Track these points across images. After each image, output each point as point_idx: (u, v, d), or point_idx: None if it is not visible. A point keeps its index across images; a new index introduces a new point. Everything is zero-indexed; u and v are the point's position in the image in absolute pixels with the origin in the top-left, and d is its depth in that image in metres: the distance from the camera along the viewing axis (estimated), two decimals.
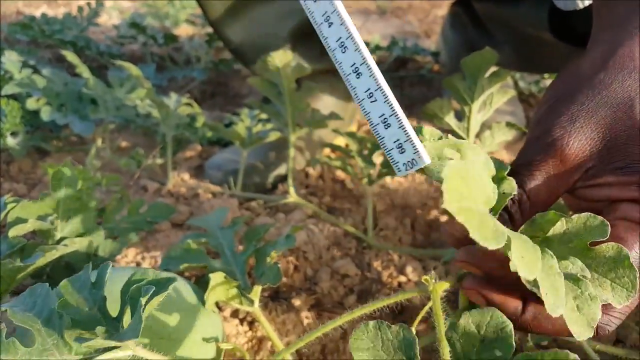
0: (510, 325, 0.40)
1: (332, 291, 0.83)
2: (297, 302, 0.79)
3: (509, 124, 0.76)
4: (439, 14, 2.36)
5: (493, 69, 0.71)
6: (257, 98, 1.54)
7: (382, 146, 0.38)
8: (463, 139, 0.75)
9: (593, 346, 0.65)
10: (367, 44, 1.78)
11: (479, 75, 0.68)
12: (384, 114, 0.37)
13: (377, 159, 0.98)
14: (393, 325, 0.43)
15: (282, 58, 0.83)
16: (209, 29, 1.83)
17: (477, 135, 0.79)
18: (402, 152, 0.37)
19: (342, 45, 0.38)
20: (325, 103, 1.17)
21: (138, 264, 0.87)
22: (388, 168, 0.95)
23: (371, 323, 0.43)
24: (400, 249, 0.91)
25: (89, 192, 0.79)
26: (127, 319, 0.46)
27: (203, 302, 0.60)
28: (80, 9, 1.73)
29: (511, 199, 0.44)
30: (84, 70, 1.12)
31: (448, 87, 0.70)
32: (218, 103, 1.63)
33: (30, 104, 1.14)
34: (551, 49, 0.91)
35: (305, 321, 0.77)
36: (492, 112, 0.75)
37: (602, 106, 0.45)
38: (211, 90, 1.72)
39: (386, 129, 0.37)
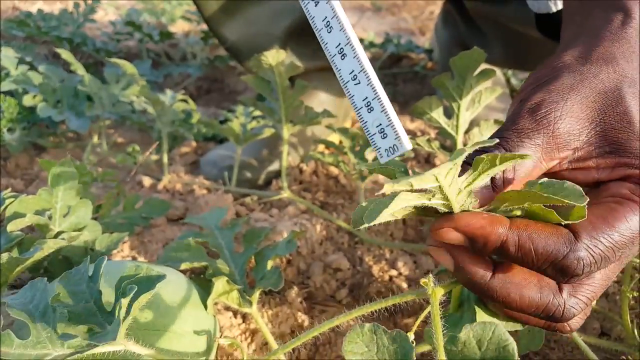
0: (513, 344, 0.39)
1: (324, 285, 0.84)
2: (290, 295, 0.81)
3: (497, 121, 0.78)
4: (433, 11, 2.37)
5: (483, 66, 0.72)
6: (253, 95, 1.55)
7: (365, 131, 0.37)
8: (452, 135, 0.77)
9: (577, 337, 0.67)
10: (361, 40, 1.79)
11: (468, 74, 0.69)
12: (367, 97, 0.36)
13: (370, 155, 0.99)
14: (389, 331, 0.42)
15: (275, 56, 0.84)
16: (205, 26, 1.83)
17: (466, 132, 0.80)
18: (384, 137, 0.36)
19: (328, 25, 0.37)
20: (319, 100, 1.18)
21: (134, 259, 0.89)
22: (380, 164, 0.97)
23: (367, 326, 0.42)
24: (391, 243, 0.92)
25: (85, 188, 0.81)
26: (120, 313, 0.47)
27: (198, 296, 0.62)
28: (76, 5, 1.74)
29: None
30: (78, 68, 1.13)
31: (437, 86, 0.72)
32: (213, 99, 1.64)
33: (27, 100, 1.15)
34: (539, 46, 0.93)
35: (298, 314, 0.78)
36: (483, 109, 0.76)
37: (592, 92, 0.46)
38: (207, 86, 1.73)
39: (369, 112, 0.36)
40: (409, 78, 1.71)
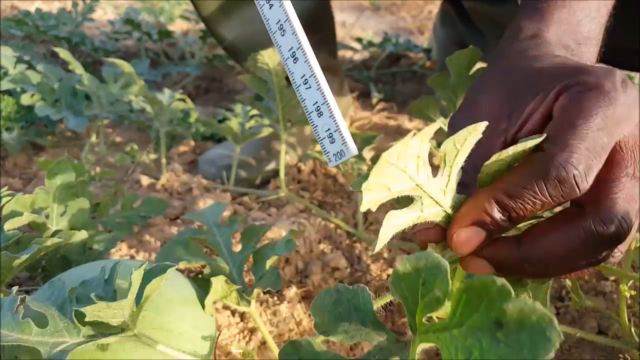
0: (445, 264, 0.36)
1: (322, 284, 0.84)
2: (288, 294, 0.81)
3: None
4: (432, 11, 2.37)
5: (480, 65, 0.73)
6: (251, 94, 1.55)
7: (315, 134, 0.37)
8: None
9: (575, 333, 0.67)
10: (359, 40, 1.80)
11: (464, 73, 0.70)
12: (317, 102, 0.37)
13: (367, 154, 0.99)
14: (352, 287, 0.42)
15: (272, 56, 0.84)
16: (203, 25, 1.84)
17: None
18: (332, 142, 0.37)
19: (282, 29, 0.38)
20: None
21: (132, 258, 0.89)
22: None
23: (333, 288, 0.43)
24: (389, 242, 0.92)
25: (83, 187, 0.81)
26: (130, 299, 0.49)
27: (197, 296, 0.62)
28: (75, 4, 1.74)
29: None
30: (76, 67, 1.13)
31: (433, 86, 0.72)
32: (212, 99, 1.64)
33: (25, 99, 1.15)
34: None
35: (296, 313, 0.78)
36: None
37: (493, 76, 0.51)
38: (205, 85, 1.73)
39: (319, 117, 0.36)
40: (407, 77, 1.71)
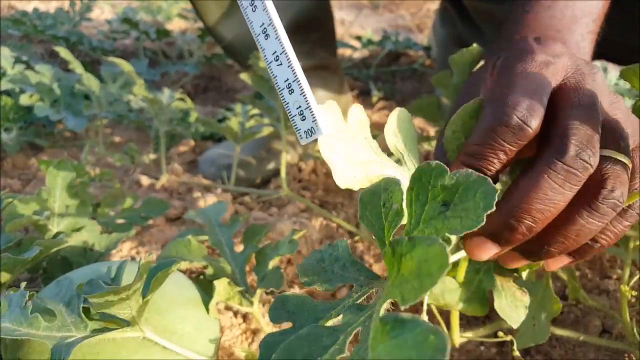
0: (398, 180, 0.38)
1: None
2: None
3: None
4: (431, 8, 2.36)
5: (482, 63, 0.72)
6: (251, 93, 1.54)
7: (287, 112, 0.38)
8: None
9: (578, 337, 0.67)
10: (359, 38, 1.79)
11: (466, 71, 0.69)
12: (288, 79, 0.37)
13: None
14: (332, 244, 0.44)
15: None
16: (202, 24, 1.83)
17: None
18: (303, 119, 0.37)
19: (252, 4, 0.38)
20: (317, 97, 1.18)
21: (133, 259, 0.88)
22: None
23: (317, 249, 0.44)
24: None
25: (83, 188, 0.80)
26: (137, 294, 0.50)
27: (200, 297, 0.62)
28: (72, 3, 1.73)
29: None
30: (77, 66, 1.12)
31: (436, 84, 0.71)
32: (211, 98, 1.64)
33: (24, 100, 1.14)
34: None
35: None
36: None
37: (482, 76, 0.52)
38: (204, 84, 1.72)
39: (290, 94, 0.37)
40: (407, 75, 1.71)
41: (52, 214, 0.75)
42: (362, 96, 1.54)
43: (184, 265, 0.69)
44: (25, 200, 0.74)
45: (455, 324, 0.62)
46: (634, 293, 0.67)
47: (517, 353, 0.64)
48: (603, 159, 0.42)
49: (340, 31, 2.07)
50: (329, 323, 0.38)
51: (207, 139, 1.32)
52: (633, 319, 0.66)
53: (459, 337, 0.65)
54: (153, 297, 0.54)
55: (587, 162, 0.40)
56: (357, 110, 0.43)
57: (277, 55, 0.37)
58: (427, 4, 2.39)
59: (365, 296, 0.39)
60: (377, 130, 1.28)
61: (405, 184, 0.38)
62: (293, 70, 0.37)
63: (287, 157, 1.15)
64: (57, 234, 0.74)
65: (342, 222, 0.94)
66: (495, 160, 0.42)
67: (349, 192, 1.09)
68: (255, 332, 0.75)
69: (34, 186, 1.11)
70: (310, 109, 0.37)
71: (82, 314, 0.49)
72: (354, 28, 2.18)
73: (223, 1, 1.03)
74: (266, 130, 1.11)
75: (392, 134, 0.44)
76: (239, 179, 1.11)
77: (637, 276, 0.67)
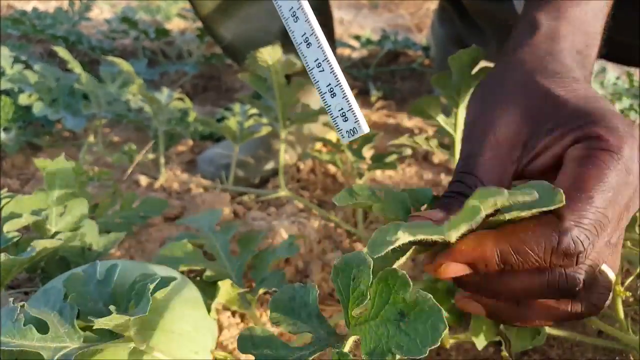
0: (370, 261, 0.40)
1: (322, 283, 0.84)
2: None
3: None
4: (430, 8, 2.36)
5: (482, 63, 0.72)
6: (249, 93, 1.54)
7: (329, 113, 0.41)
8: (451, 133, 0.77)
9: (574, 337, 0.67)
10: (358, 37, 1.79)
11: (466, 72, 0.69)
12: (330, 84, 0.40)
13: (367, 153, 0.99)
14: (304, 285, 0.46)
15: (271, 53, 0.84)
16: (201, 23, 1.83)
17: None
18: (345, 120, 0.40)
19: (294, 15, 0.41)
20: (316, 97, 1.18)
21: (131, 258, 0.88)
22: (378, 162, 0.97)
23: (290, 285, 0.46)
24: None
25: (82, 187, 0.80)
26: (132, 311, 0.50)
27: (197, 296, 0.62)
28: (71, 3, 1.73)
29: (467, 186, 0.47)
30: (75, 66, 1.12)
31: (436, 85, 0.71)
32: (210, 97, 1.64)
33: (23, 99, 1.14)
34: None
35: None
36: None
37: (511, 90, 0.50)
38: (203, 84, 1.72)
39: (332, 97, 0.40)
40: (406, 75, 1.71)
41: (51, 213, 0.75)
42: (361, 95, 1.54)
43: (181, 267, 0.69)
44: (24, 199, 0.74)
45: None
46: (629, 294, 0.67)
47: (504, 352, 0.64)
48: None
49: (339, 30, 2.07)
50: None
51: (206, 139, 1.32)
52: (628, 318, 0.66)
53: (448, 338, 0.65)
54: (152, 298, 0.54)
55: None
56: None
57: (320, 62, 0.40)
58: (426, 3, 2.39)
59: (319, 353, 0.42)
60: (376, 129, 1.28)
61: None
62: (335, 76, 0.39)
63: (286, 157, 1.15)
64: (55, 233, 0.74)
65: (340, 222, 0.94)
66: (526, 266, 0.42)
67: None
68: None
69: (33, 186, 1.11)
70: (353, 111, 0.40)
71: (76, 325, 0.49)
72: (353, 27, 2.18)
73: (222, 1, 1.03)
74: (265, 130, 1.11)
75: None
76: (237, 178, 1.11)
77: (633, 276, 0.68)
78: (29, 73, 1.18)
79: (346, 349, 0.40)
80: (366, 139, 0.97)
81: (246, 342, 0.45)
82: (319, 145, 1.21)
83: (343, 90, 0.40)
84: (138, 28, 1.71)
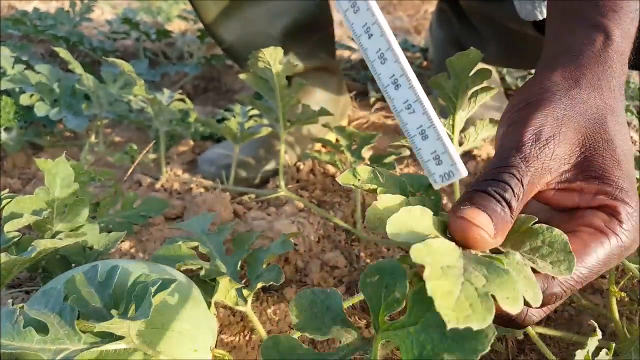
0: (404, 270, 0.42)
1: (321, 282, 0.85)
2: (287, 293, 0.81)
3: (492, 121, 0.79)
4: (429, 10, 2.37)
5: (479, 65, 0.73)
6: (250, 93, 1.55)
7: (418, 157, 0.38)
8: (449, 135, 0.78)
9: (570, 337, 0.68)
10: None
11: (464, 74, 0.70)
12: (421, 125, 0.37)
13: (366, 153, 1.00)
14: (325, 290, 0.46)
15: (272, 54, 0.84)
16: (202, 25, 1.83)
17: (462, 131, 0.81)
18: (439, 164, 0.38)
19: (382, 57, 0.38)
20: (316, 99, 1.19)
21: (132, 258, 0.89)
22: (377, 163, 0.97)
23: (309, 290, 0.46)
24: (388, 241, 0.93)
25: (83, 187, 0.81)
26: (131, 314, 0.51)
27: (199, 296, 0.62)
28: (72, 3, 1.73)
29: (511, 189, 0.44)
30: (76, 67, 1.13)
31: (433, 86, 0.72)
32: (211, 98, 1.65)
33: (24, 99, 1.15)
34: (535, 44, 0.93)
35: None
36: (479, 107, 0.76)
37: (582, 117, 0.49)
38: (204, 85, 1.73)
39: (424, 140, 0.37)
40: None
41: (51, 213, 0.75)
42: (360, 97, 1.55)
43: (178, 266, 0.70)
44: (25, 199, 0.74)
45: None
46: (623, 294, 0.68)
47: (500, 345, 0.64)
48: None
49: (338, 32, 2.08)
50: None
51: (207, 139, 1.33)
52: (623, 317, 0.66)
53: None
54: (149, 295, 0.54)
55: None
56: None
57: (410, 104, 0.37)
58: (425, 5, 2.40)
59: (349, 358, 0.42)
60: (373, 130, 1.29)
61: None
62: (428, 117, 0.36)
63: (286, 157, 1.16)
64: (56, 233, 0.74)
65: (339, 222, 0.95)
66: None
67: (347, 192, 1.10)
68: (253, 330, 0.76)
69: (34, 186, 1.11)
70: (449, 153, 0.37)
71: (76, 326, 0.49)
72: None
73: (223, 2, 1.04)
74: (265, 131, 1.12)
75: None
76: (237, 178, 1.12)
77: (628, 276, 0.68)
78: (30, 73, 1.19)
79: (376, 352, 0.40)
80: (366, 140, 0.98)
81: (271, 351, 0.43)
82: (318, 145, 1.22)
83: (437, 131, 0.37)
84: (139, 29, 1.72)
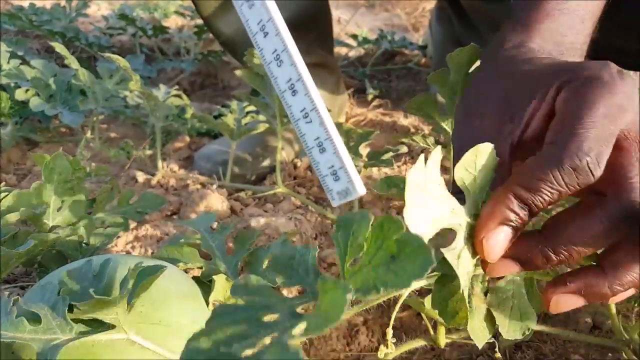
0: (371, 217, 0.40)
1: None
2: (284, 290, 0.81)
3: None
4: (427, 8, 2.37)
5: (478, 62, 0.73)
6: (247, 90, 1.55)
7: (317, 172, 0.36)
8: (447, 131, 0.78)
9: (567, 334, 0.68)
10: (354, 36, 1.80)
11: (464, 71, 0.70)
12: (319, 137, 0.35)
13: (364, 150, 0.99)
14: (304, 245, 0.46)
15: None
16: (199, 21, 1.83)
17: None
18: (336, 180, 0.36)
19: (278, 59, 0.36)
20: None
21: (128, 254, 0.89)
22: (374, 160, 0.97)
23: (291, 247, 0.46)
24: None
25: (79, 183, 0.81)
26: (123, 301, 0.50)
27: (195, 290, 0.62)
28: None
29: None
30: (72, 62, 1.12)
31: (433, 83, 0.72)
32: (207, 94, 1.64)
33: (19, 94, 1.14)
34: None
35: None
36: None
37: (488, 83, 0.52)
38: (200, 81, 1.72)
39: (321, 153, 0.35)
40: (402, 74, 1.71)
41: (48, 208, 0.75)
42: (357, 94, 1.55)
43: (180, 266, 0.70)
44: (21, 194, 0.74)
45: (441, 327, 0.64)
46: None
47: (499, 355, 0.64)
48: None
49: (336, 30, 2.08)
50: (270, 317, 0.41)
51: (203, 136, 1.32)
52: (620, 314, 0.66)
53: (444, 338, 0.66)
54: (148, 291, 0.54)
55: None
56: (437, 154, 0.41)
57: (307, 113, 0.35)
58: (423, 3, 2.40)
59: (310, 303, 0.42)
60: (371, 127, 1.29)
61: (461, 231, 0.40)
62: (325, 128, 0.35)
63: (283, 154, 1.15)
64: (53, 228, 0.74)
65: (336, 218, 0.94)
66: (548, 199, 0.42)
67: None
68: None
69: (30, 181, 1.11)
70: (346, 169, 0.35)
71: (67, 317, 0.49)
72: (350, 27, 2.18)
73: None
74: (262, 127, 1.12)
75: (464, 169, 0.42)
76: (234, 175, 1.11)
77: None
78: (25, 68, 1.18)
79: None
80: (363, 137, 0.97)
81: (239, 288, 0.43)
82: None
83: (334, 145, 0.34)
84: (136, 25, 1.71)
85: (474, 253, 0.44)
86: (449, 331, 0.71)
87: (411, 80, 1.67)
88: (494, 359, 0.70)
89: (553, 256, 0.42)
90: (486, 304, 0.57)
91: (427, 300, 0.64)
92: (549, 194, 0.41)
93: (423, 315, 0.68)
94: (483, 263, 0.45)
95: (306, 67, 0.36)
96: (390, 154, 0.97)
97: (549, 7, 0.54)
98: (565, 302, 0.44)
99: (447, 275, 0.43)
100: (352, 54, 1.86)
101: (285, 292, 0.81)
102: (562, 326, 0.74)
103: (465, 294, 0.41)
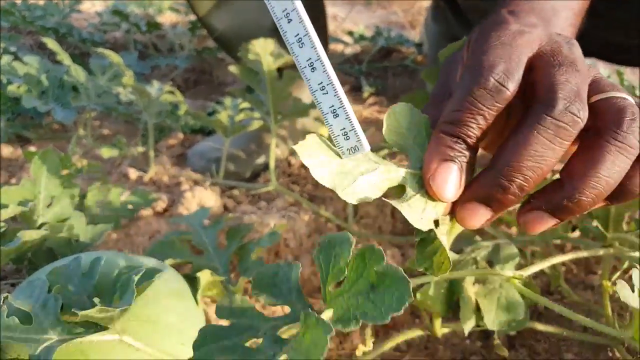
0: (352, 240, 0.42)
1: (312, 277, 0.84)
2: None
3: None
4: (423, 5, 2.36)
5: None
6: (241, 86, 1.54)
7: (330, 132, 0.43)
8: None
9: (561, 332, 0.67)
10: (351, 33, 1.79)
11: None
12: (333, 106, 0.42)
13: None
14: (289, 263, 0.47)
15: (263, 46, 0.83)
16: (193, 17, 1.82)
17: None
18: (347, 139, 0.42)
19: (300, 41, 0.42)
20: (308, 92, 1.18)
21: (119, 251, 0.88)
22: None
23: (275, 264, 0.47)
24: (380, 236, 0.92)
25: (70, 179, 0.80)
26: (116, 304, 0.50)
27: (187, 290, 0.62)
28: None
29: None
30: (65, 58, 1.11)
31: (427, 79, 0.71)
32: (201, 91, 1.63)
33: (11, 90, 1.13)
34: None
35: (285, 307, 0.78)
36: None
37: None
38: (194, 78, 1.71)
39: (335, 118, 0.42)
40: (398, 72, 1.71)
41: (38, 204, 0.74)
42: (353, 92, 1.54)
43: (169, 262, 0.69)
44: (11, 190, 0.73)
45: (437, 318, 0.64)
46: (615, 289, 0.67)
47: (498, 341, 0.64)
48: (608, 99, 0.42)
49: (332, 26, 2.07)
50: (254, 341, 0.44)
51: (197, 133, 1.32)
52: (614, 312, 0.66)
53: (440, 327, 0.65)
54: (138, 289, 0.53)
55: (576, 116, 0.40)
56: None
57: (324, 86, 0.42)
58: (420, 0, 2.39)
59: (293, 326, 0.44)
60: (367, 125, 1.28)
61: (411, 185, 0.43)
62: (339, 99, 0.42)
63: (277, 151, 1.15)
64: (42, 224, 0.73)
65: (331, 216, 0.94)
66: (475, 126, 0.42)
67: None
68: None
69: (21, 178, 1.10)
70: (355, 131, 0.42)
71: (60, 317, 0.49)
72: (346, 24, 2.17)
73: None
74: (256, 124, 1.11)
75: (390, 132, 0.45)
76: (228, 172, 1.10)
77: (619, 272, 0.68)
78: (18, 64, 1.17)
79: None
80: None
81: (224, 309, 0.46)
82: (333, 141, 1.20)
83: (346, 112, 0.42)
84: (129, 21, 1.69)
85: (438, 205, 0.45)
86: (445, 321, 0.71)
87: (407, 77, 1.66)
88: (488, 358, 0.70)
89: (506, 182, 0.41)
90: (474, 295, 0.58)
91: (419, 294, 0.63)
92: (472, 120, 0.42)
93: (418, 313, 0.68)
94: (451, 214, 0.45)
95: (323, 49, 0.42)
96: (386, 151, 0.96)
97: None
98: (534, 220, 0.43)
99: (424, 239, 0.44)
100: (349, 51, 1.85)
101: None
102: (556, 325, 0.73)
103: (444, 243, 0.42)
